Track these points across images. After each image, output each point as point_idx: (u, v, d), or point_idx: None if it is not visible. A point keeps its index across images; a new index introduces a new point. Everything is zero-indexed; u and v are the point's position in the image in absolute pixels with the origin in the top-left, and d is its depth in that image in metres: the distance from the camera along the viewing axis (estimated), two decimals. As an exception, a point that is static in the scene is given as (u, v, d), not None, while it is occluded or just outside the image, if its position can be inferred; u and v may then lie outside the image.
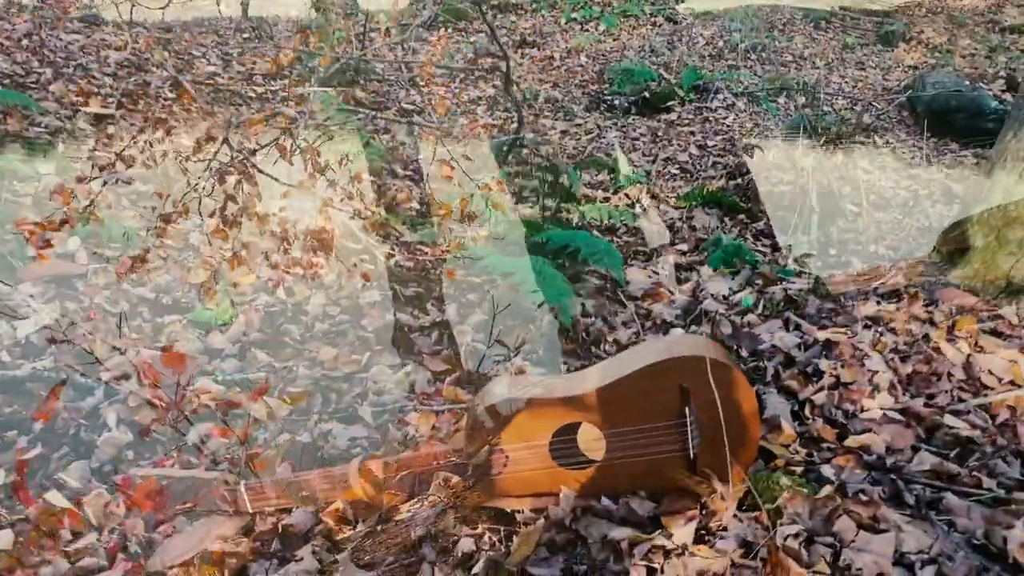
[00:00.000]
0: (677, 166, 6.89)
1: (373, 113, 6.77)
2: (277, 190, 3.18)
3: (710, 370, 2.05)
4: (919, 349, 2.58)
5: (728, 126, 8.24)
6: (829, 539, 1.90)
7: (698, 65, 9.91)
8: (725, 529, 2.02)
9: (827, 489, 2.01)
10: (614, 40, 11.82)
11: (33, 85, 6.86)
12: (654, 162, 6.93)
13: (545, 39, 11.84)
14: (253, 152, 3.39)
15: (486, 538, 2.08)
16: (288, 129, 4.42)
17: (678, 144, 7.46)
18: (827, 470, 2.11)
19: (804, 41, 12.12)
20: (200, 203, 3.16)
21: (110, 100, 6.93)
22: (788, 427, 2.24)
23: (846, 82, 10.21)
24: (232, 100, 7.91)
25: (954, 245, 3.00)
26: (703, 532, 2.04)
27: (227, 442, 2.36)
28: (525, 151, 5.11)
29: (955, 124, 8.05)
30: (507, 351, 2.56)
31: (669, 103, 8.84)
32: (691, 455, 2.11)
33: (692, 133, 7.93)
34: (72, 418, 2.50)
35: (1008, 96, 8.54)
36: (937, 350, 2.56)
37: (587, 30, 12.42)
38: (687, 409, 2.08)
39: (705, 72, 9.55)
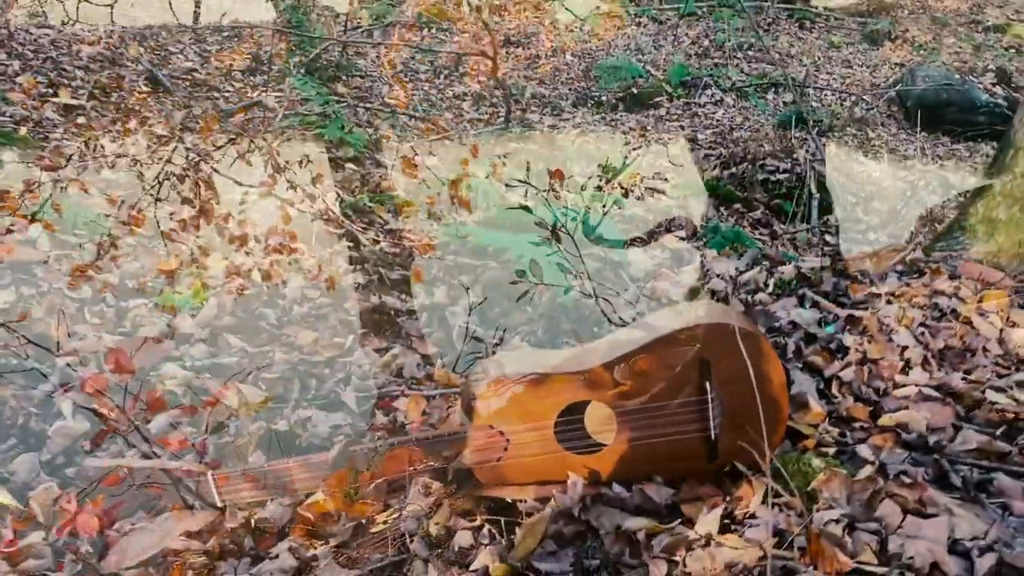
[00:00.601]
0: (668, 159, 6.70)
1: (355, 104, 6.55)
2: (239, 191, 2.98)
3: (738, 339, 1.83)
4: (949, 324, 2.38)
5: (718, 120, 8.08)
6: (873, 525, 1.68)
7: (685, 62, 9.77)
8: (754, 517, 1.81)
9: (866, 470, 1.80)
10: (599, 40, 11.69)
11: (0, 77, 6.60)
12: (644, 156, 6.74)
13: (530, 39, 11.68)
14: (209, 153, 3.18)
15: (485, 531, 1.86)
16: (247, 129, 4.21)
17: (669, 137, 7.29)
18: (863, 450, 1.90)
19: (790, 40, 12.04)
20: (156, 206, 2.93)
21: (81, 92, 6.66)
22: (816, 405, 2.04)
23: (834, 79, 10.10)
24: (210, 95, 7.66)
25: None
26: (728, 521, 1.83)
27: (194, 431, 2.12)
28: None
29: (946, 118, 7.93)
30: (485, 347, 2.35)
31: (657, 99, 8.68)
32: (712, 436, 1.90)
33: (682, 127, 7.77)
34: (21, 407, 2.26)
35: (999, 89, 8.43)
36: (968, 324, 2.36)
37: (571, 30, 12.28)
38: (708, 385, 1.86)
39: (693, 69, 9.40)
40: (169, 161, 2.95)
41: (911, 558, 1.59)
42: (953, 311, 2.47)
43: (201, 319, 2.71)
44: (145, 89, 7.24)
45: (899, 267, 2.85)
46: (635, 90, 8.81)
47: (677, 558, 1.74)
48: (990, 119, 8.12)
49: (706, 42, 11.56)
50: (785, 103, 8.90)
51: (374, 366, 2.47)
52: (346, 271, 3.09)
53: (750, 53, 11.14)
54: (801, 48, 11.70)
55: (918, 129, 7.84)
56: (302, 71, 5.71)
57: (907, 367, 2.19)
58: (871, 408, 2.06)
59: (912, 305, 2.51)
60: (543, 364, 1.92)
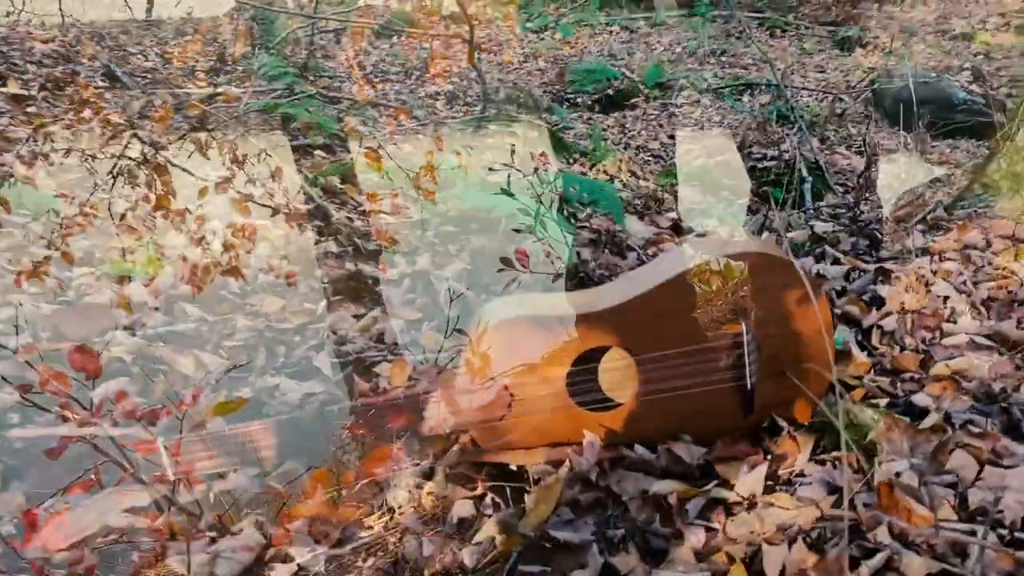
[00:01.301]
0: (649, 153, 6.52)
1: (324, 99, 6.27)
2: (196, 186, 2.71)
3: (776, 271, 1.59)
4: (988, 275, 2.16)
5: (696, 120, 7.92)
6: (947, 477, 1.43)
7: (660, 65, 9.63)
8: (802, 475, 1.55)
9: (931, 419, 1.55)
10: (571, 47, 11.55)
11: (-54, 71, 6.25)
12: (626, 149, 6.54)
13: (501, 46, 11.50)
14: (164, 146, 2.91)
15: (488, 500, 1.58)
16: (207, 119, 3.93)
17: (648, 134, 7.10)
18: (921, 399, 1.65)
19: (762, 47, 11.98)
20: (110, 204, 2.65)
21: (32, 84, 6.33)
22: (859, 354, 1.79)
23: (808, 82, 10.02)
24: (173, 92, 7.34)
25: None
26: (771, 482, 1.57)
27: (144, 402, 1.82)
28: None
29: (924, 116, 7.83)
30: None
31: (633, 99, 8.51)
32: (748, 387, 1.64)
33: (660, 125, 7.59)
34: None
35: (976, 87, 8.37)
36: (1011, 275, 2.14)
37: (543, 38, 12.14)
38: (744, 325, 1.61)
39: (668, 72, 9.27)
40: (123, 156, 2.66)
41: (1000, 512, 1.34)
42: (989, 263, 2.25)
43: (155, 287, 2.40)
44: (102, 84, 6.91)
45: (920, 226, 2.64)
46: (611, 92, 8.63)
47: (716, 524, 1.48)
48: (968, 117, 8.04)
49: (679, 49, 11.47)
50: (762, 104, 8.77)
51: (352, 331, 2.19)
52: (317, 242, 2.81)
53: (723, 59, 11.06)
54: (774, 54, 11.64)
55: (899, 128, 7.73)
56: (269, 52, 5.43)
57: (953, 316, 1.95)
58: (921, 357, 1.81)
59: (944, 259, 2.29)
60: (552, 307, 1.66)
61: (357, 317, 2.27)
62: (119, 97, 6.51)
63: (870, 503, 1.40)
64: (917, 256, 2.32)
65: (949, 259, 2.28)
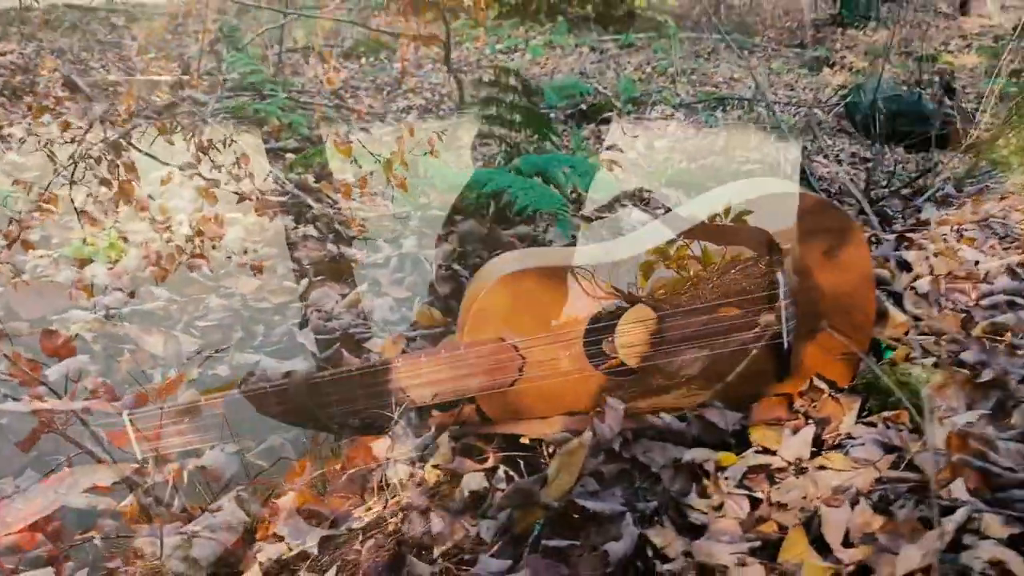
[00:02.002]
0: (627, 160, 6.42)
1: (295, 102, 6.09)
2: (160, 172, 2.55)
3: (824, 216, 1.44)
4: (1015, 241, 2.04)
5: (672, 133, 7.86)
6: (1015, 432, 1.28)
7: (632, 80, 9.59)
8: (851, 437, 1.39)
9: (989, 373, 1.41)
10: (541, 67, 11.51)
11: None
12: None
13: (471, 66, 11.43)
14: (128, 132, 2.73)
15: (501, 473, 1.40)
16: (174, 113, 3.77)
17: (625, 143, 7.01)
18: (971, 357, 1.51)
19: (731, 67, 12.06)
20: (71, 191, 2.46)
21: (-12, 91, 6.10)
22: (898, 314, 1.65)
23: (779, 98, 10.06)
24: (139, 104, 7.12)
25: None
26: (814, 448, 1.41)
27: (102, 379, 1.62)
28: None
29: (897, 128, 7.84)
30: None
31: (607, 114, 8.44)
32: (785, 346, 1.48)
33: (636, 136, 7.51)
34: None
35: (947, 100, 8.43)
36: (1039, 241, 2.03)
37: (513, 59, 12.10)
38: (778, 276, 1.46)
39: (641, 87, 9.23)
40: (83, 140, 2.48)
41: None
42: (1011, 232, 2.13)
43: (119, 270, 2.21)
44: (62, 94, 6.68)
45: (930, 203, 2.53)
46: (584, 107, 8.56)
47: (760, 493, 1.32)
48: (943, 130, 8.09)
49: (648, 69, 11.49)
50: (735, 119, 8.75)
51: (338, 307, 2.00)
52: (294, 228, 2.62)
53: (693, 78, 11.08)
54: (743, 73, 11.70)
55: (874, 141, 7.74)
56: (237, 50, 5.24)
57: (987, 278, 1.82)
58: (962, 317, 1.67)
59: (964, 229, 2.17)
60: (566, 258, 1.50)
61: (342, 295, 2.08)
62: (80, 104, 6.29)
63: (927, 460, 1.25)
64: (935, 227, 2.20)
65: (967, 229, 2.17)
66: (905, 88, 8.71)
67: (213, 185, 2.51)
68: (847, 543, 1.16)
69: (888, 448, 1.33)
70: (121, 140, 2.40)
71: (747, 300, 1.47)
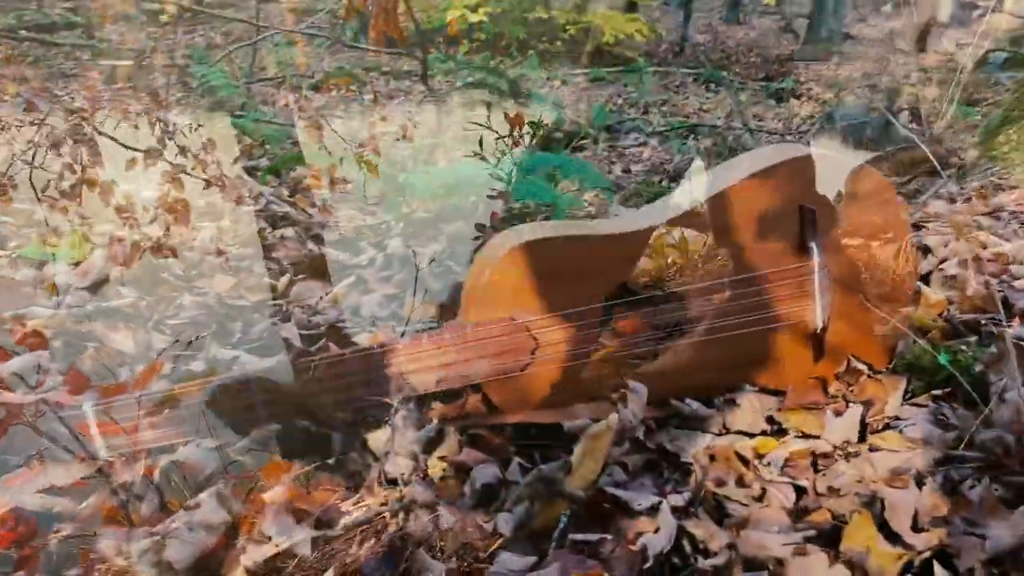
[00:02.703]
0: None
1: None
2: (124, 157, 2.41)
3: (850, 176, 1.33)
4: (1034, 231, 1.96)
5: (647, 159, 7.84)
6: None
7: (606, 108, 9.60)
8: (897, 418, 1.27)
9: (1045, 347, 1.30)
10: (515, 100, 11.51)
11: None
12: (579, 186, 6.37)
13: (443, 98, 11.41)
14: (90, 115, 2.59)
15: (515, 467, 1.25)
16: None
17: (601, 169, 6.96)
18: (1020, 332, 1.40)
19: (700, 100, 12.15)
20: (31, 176, 2.31)
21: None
22: (932, 293, 1.54)
23: (750, 127, 10.11)
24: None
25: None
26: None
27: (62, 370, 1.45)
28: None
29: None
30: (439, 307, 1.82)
31: (582, 141, 8.41)
32: (819, 326, 1.36)
33: (612, 162, 7.48)
34: None
35: (915, 125, 8.51)
36: (1059, 229, 1.94)
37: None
38: (812, 246, 1.34)
39: (613, 116, 9.23)
40: (44, 123, 2.32)
41: None
42: (1026, 223, 2.05)
43: (83, 269, 2.04)
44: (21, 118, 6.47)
45: (934, 198, 2.45)
46: (559, 134, 8.52)
47: (805, 481, 1.18)
48: (905, 148, 8.15)
49: (619, 100, 11.54)
50: (706, 148, 8.76)
51: (323, 302, 1.85)
52: (272, 231, 2.47)
53: (663, 109, 11.13)
54: (711, 105, 11.78)
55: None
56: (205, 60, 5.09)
57: (1017, 260, 1.73)
58: (1001, 296, 1.57)
59: (977, 219, 2.09)
60: (580, 228, 1.37)
61: (326, 292, 1.93)
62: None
63: (993, 438, 1.13)
64: (948, 217, 2.11)
65: (982, 219, 2.08)
66: (876, 114, 8.78)
67: (179, 171, 2.37)
68: (915, 527, 1.03)
69: (944, 427, 1.20)
70: (84, 123, 2.25)
71: (779, 273, 1.35)
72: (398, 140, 2.94)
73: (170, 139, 2.52)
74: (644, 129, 9.37)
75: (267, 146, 4.44)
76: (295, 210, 3.04)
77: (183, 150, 2.52)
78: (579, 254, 1.32)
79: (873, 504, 1.08)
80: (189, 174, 2.43)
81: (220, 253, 2.23)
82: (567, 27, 13.93)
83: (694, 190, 1.43)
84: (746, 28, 17.89)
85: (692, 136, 9.75)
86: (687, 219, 1.35)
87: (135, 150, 2.38)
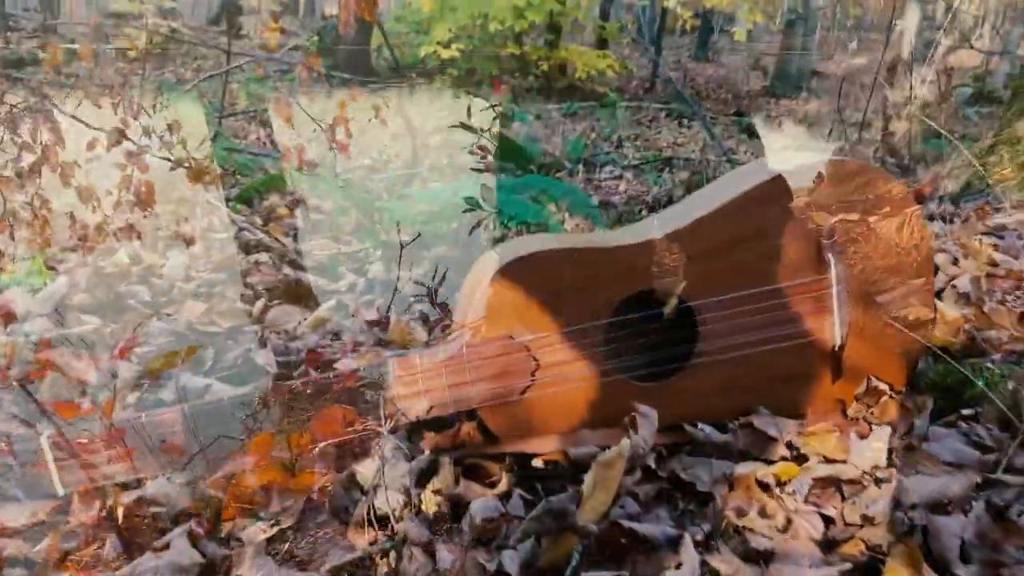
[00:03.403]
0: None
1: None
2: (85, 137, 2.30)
3: (866, 183, 1.26)
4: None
5: (623, 191, 7.83)
6: None
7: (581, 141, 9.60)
8: (926, 440, 1.18)
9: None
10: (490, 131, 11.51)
11: None
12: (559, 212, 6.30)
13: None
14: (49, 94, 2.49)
15: (516, 499, 1.14)
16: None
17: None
18: (1044, 350, 1.32)
19: (672, 134, 12.23)
20: None
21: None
22: (948, 310, 1.46)
23: (725, 159, 10.16)
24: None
25: None
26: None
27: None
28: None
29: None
30: (427, 289, 1.73)
31: (558, 173, 8.38)
32: (837, 343, 1.28)
33: (589, 194, 7.45)
34: None
35: (890, 159, 8.59)
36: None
37: (455, 125, 12.09)
38: (828, 258, 1.26)
39: (588, 149, 9.23)
40: (2, 102, 2.20)
41: None
42: (1028, 242, 1.99)
43: (44, 295, 1.91)
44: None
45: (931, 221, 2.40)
46: (533, 168, 8.49)
47: (832, 510, 1.09)
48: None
49: (593, 134, 11.58)
50: (680, 180, 8.77)
51: (301, 327, 1.74)
52: (247, 254, 2.36)
53: (637, 143, 11.18)
54: (684, 139, 11.86)
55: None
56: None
57: (1026, 278, 1.67)
58: (1020, 312, 1.50)
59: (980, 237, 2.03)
60: (584, 241, 1.28)
61: (304, 318, 1.82)
62: None
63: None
64: (949, 236, 2.05)
65: (985, 237, 2.03)
66: (847, 147, 8.85)
67: (144, 152, 2.26)
68: (964, 558, 0.94)
69: (979, 448, 1.12)
70: (44, 101, 2.14)
71: (796, 287, 1.27)
72: (370, 121, 2.85)
73: (134, 119, 2.41)
74: (619, 162, 9.39)
75: (239, 176, 4.33)
76: (269, 238, 2.94)
77: (147, 131, 2.43)
78: (583, 268, 1.23)
79: (913, 533, 0.98)
80: (154, 155, 2.33)
81: (190, 280, 2.12)
82: (539, 63, 14.00)
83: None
84: (715, 65, 18.14)
85: (667, 169, 9.79)
86: (709, 227, 1.27)
87: (97, 129, 2.27)
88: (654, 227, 1.27)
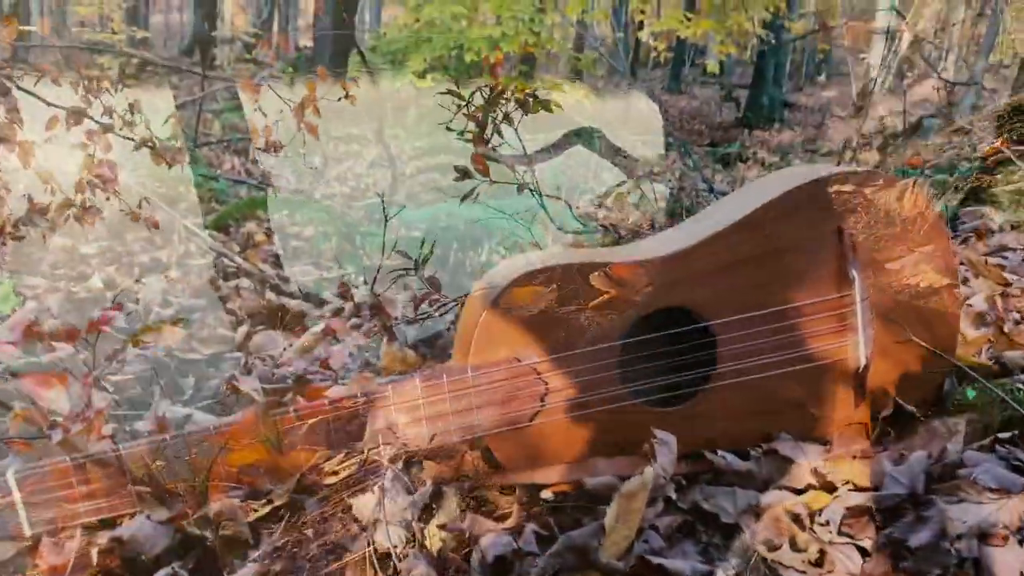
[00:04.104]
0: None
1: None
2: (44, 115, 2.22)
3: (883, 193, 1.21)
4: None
5: (602, 217, 7.81)
6: None
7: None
8: (962, 465, 1.11)
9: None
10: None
11: None
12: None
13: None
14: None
15: (529, 534, 1.06)
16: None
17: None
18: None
19: (649, 163, 12.28)
20: None
21: None
22: (969, 329, 1.41)
23: (701, 189, 10.20)
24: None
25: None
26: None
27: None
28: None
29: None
30: (413, 263, 1.65)
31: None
32: (861, 364, 1.21)
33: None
34: None
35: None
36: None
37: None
38: (852, 271, 1.20)
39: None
40: None
41: None
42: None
43: (12, 322, 1.80)
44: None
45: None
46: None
47: (868, 541, 1.01)
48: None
49: (571, 162, 11.60)
50: (660, 208, 8.78)
51: (288, 352, 1.65)
52: (225, 278, 2.27)
53: (615, 172, 11.21)
54: (661, 167, 11.90)
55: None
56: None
57: (1042, 297, 1.62)
58: (1037, 333, 1.45)
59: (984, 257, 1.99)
60: (593, 256, 1.21)
61: (290, 344, 1.73)
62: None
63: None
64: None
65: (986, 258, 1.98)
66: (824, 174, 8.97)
67: (105, 130, 2.17)
68: (1023, 593, 0.87)
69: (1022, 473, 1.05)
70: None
71: (816, 305, 1.20)
72: (339, 100, 2.79)
73: (95, 98, 2.33)
74: (597, 190, 9.39)
75: (215, 203, 4.24)
76: (248, 264, 2.85)
77: (108, 110, 2.34)
78: (584, 290, 1.15)
79: (963, 565, 0.91)
80: (116, 134, 2.24)
81: (169, 306, 2.02)
82: (514, 93, 13.97)
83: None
84: (688, 97, 18.33)
85: (641, 195, 9.77)
86: (720, 240, 1.20)
87: (57, 107, 2.18)
88: (670, 241, 1.21)
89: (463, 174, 1.79)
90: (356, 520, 1.09)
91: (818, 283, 1.20)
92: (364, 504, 1.09)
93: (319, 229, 3.69)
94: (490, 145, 2.03)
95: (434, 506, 1.10)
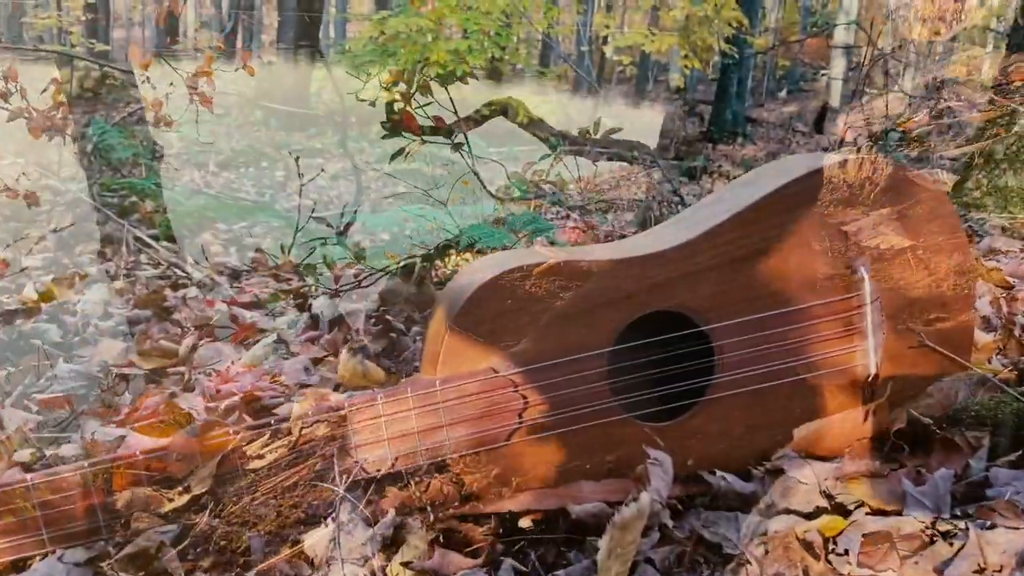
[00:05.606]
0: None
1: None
2: None
3: (897, 188, 1.10)
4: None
5: (571, 229, 7.74)
6: None
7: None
8: (987, 484, 1.00)
9: None
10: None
11: None
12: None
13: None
14: None
15: (508, 569, 0.92)
16: None
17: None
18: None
19: (614, 177, 12.26)
20: None
21: None
22: (980, 334, 1.30)
23: (681, 196, 10.19)
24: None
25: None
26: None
27: None
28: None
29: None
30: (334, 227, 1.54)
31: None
32: (871, 372, 1.10)
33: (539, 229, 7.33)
34: None
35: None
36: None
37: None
38: (861, 271, 1.08)
39: (532, 189, 9.15)
40: None
41: None
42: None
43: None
44: None
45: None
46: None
47: (890, 571, 0.89)
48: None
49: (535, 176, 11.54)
50: (627, 221, 8.73)
51: (235, 367, 1.50)
52: (169, 293, 2.11)
53: (581, 185, 11.15)
54: (629, 182, 11.90)
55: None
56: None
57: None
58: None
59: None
60: (579, 255, 1.08)
61: (239, 357, 1.58)
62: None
63: None
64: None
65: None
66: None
67: None
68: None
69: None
70: None
71: (824, 308, 1.09)
72: (237, 70, 2.71)
73: None
74: (565, 203, 9.29)
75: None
76: (202, 275, 2.69)
77: None
78: (580, 285, 1.02)
79: (1005, 601, 0.80)
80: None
81: (110, 318, 1.86)
82: (480, 109, 13.95)
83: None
84: (653, 112, 18.42)
85: (612, 210, 9.72)
86: (719, 235, 1.08)
87: None
88: (660, 237, 1.09)
89: (392, 129, 1.66)
90: (308, 560, 0.94)
91: (826, 284, 1.09)
92: (317, 540, 0.95)
93: (278, 240, 3.54)
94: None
95: (397, 540, 0.96)
